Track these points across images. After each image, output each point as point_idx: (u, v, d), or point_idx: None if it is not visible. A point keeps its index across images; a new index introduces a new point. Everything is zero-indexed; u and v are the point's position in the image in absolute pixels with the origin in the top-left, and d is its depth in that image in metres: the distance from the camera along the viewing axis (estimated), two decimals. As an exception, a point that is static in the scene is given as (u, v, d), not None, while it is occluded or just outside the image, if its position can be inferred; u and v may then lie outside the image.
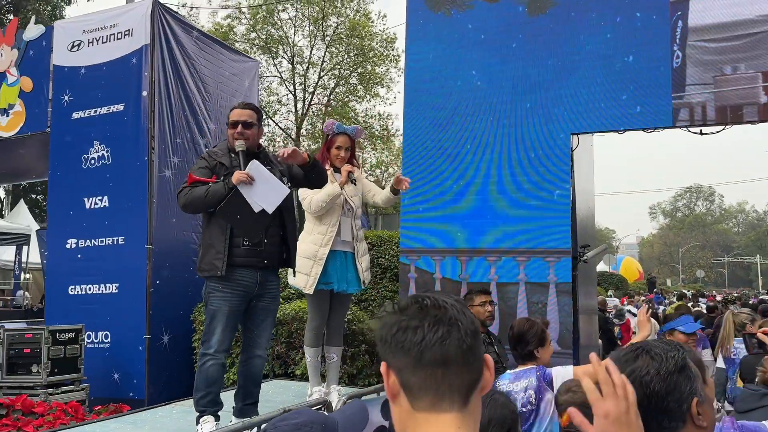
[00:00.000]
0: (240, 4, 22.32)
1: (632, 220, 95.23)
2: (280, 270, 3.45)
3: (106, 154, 5.83)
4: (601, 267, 30.64)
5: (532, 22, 4.43)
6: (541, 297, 4.21)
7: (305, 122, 23.03)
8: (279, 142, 24.85)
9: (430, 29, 4.70)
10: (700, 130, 4.06)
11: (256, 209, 3.07)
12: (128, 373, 5.56)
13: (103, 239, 5.78)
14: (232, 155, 3.17)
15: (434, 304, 0.95)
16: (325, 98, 23.50)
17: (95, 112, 5.93)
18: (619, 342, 9.17)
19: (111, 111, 5.87)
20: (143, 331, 5.53)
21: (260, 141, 3.35)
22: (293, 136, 22.86)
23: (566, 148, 4.27)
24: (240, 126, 3.20)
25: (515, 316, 4.27)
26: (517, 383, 2.70)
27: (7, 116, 6.33)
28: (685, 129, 4.05)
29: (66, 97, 6.07)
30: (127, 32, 5.91)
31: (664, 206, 74.44)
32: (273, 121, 23.81)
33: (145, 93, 5.75)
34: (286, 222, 3.23)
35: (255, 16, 21.88)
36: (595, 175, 5.67)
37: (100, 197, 5.82)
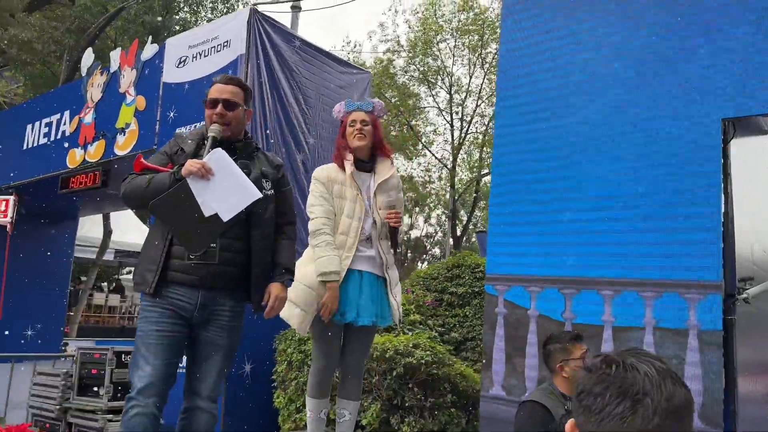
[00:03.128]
0: (398, 38, 22.56)
1: None
2: None
3: (200, 170, 5.61)
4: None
5: (667, -24, 3.30)
6: (676, 350, 2.98)
7: (461, 151, 22.43)
8: (434, 172, 24.47)
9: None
10: None
11: (207, 212, 2.36)
12: (206, 403, 5.17)
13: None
14: (206, 142, 2.51)
15: (624, 367, 0.85)
16: (483, 126, 22.71)
17: (194, 127, 5.77)
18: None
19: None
20: (221, 358, 5.11)
21: (246, 128, 2.66)
22: (449, 166, 22.37)
23: (715, 139, 3.04)
24: (220, 105, 2.51)
25: (638, 373, 3.07)
26: None
27: (124, 135, 6.45)
28: None
29: (171, 114, 6.01)
30: (225, 43, 5.71)
31: None
32: (429, 151, 23.56)
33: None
34: (253, 234, 2.47)
35: (414, 47, 21.91)
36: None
37: (192, 214, 5.59)
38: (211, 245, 2.40)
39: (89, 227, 15.13)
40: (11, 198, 5.39)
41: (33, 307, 8.76)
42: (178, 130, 2.80)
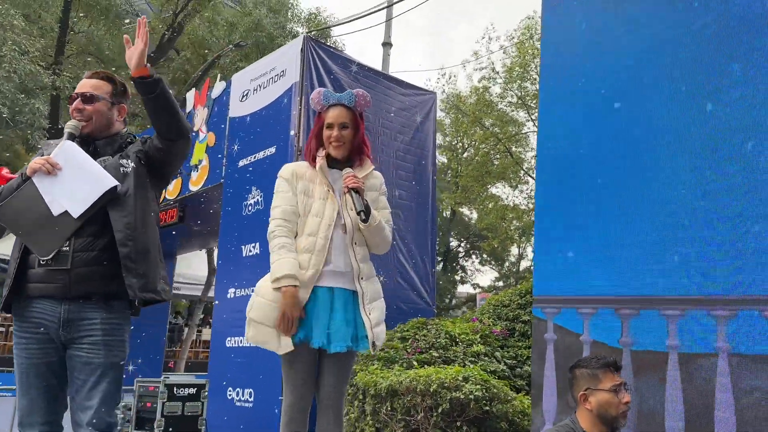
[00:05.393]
0: (493, 64, 22.21)
1: None
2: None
3: (260, 200, 5.60)
4: None
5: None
6: (759, 381, 2.39)
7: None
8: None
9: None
10: None
11: (56, 210, 2.16)
12: (266, 439, 5.01)
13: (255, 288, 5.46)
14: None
15: None
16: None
17: (254, 158, 5.80)
18: None
19: (265, 155, 5.68)
20: (279, 391, 4.96)
21: (119, 124, 2.42)
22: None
23: (794, 119, 2.47)
24: (78, 99, 2.31)
25: (712, 410, 2.50)
26: None
27: (197, 171, 6.63)
28: None
29: (236, 147, 6.10)
30: (281, 73, 5.72)
31: None
32: (532, 177, 22.77)
33: (293, 132, 5.41)
34: (113, 216, 2.20)
35: (510, 72, 21.43)
36: None
37: (253, 244, 5.57)
38: (64, 248, 2.16)
39: (197, 265, 15.88)
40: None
41: (133, 344, 9.16)
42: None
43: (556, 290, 3.12)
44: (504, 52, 22.44)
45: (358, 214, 2.35)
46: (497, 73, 22.09)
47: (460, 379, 3.66)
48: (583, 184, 3.14)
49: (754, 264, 2.47)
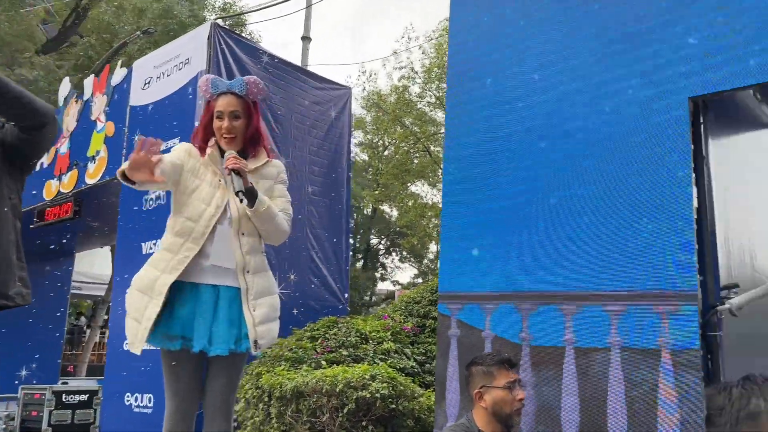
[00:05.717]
0: (412, 64, 22.36)
1: None
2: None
3: (161, 194, 5.31)
4: None
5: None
6: (647, 373, 2.46)
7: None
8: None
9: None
10: None
11: None
12: (166, 446, 4.76)
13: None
14: None
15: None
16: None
17: (157, 149, 5.50)
18: None
19: (168, 147, 5.38)
20: (181, 395, 4.72)
21: None
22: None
23: (682, 121, 2.55)
24: None
25: (605, 402, 2.55)
26: None
27: (94, 163, 6.22)
28: None
29: (136, 138, 5.76)
30: (186, 61, 5.45)
31: None
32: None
33: (198, 123, 5.15)
34: None
35: (429, 73, 21.67)
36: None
37: (153, 241, 5.27)
38: None
39: (100, 263, 15.01)
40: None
41: (27, 347, 8.53)
42: None
43: (460, 287, 3.10)
44: (423, 53, 22.71)
45: (237, 194, 2.21)
46: (416, 73, 22.30)
47: (367, 377, 3.59)
48: (487, 183, 3.14)
49: (643, 260, 2.53)
